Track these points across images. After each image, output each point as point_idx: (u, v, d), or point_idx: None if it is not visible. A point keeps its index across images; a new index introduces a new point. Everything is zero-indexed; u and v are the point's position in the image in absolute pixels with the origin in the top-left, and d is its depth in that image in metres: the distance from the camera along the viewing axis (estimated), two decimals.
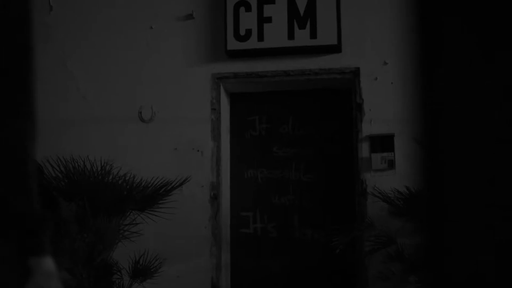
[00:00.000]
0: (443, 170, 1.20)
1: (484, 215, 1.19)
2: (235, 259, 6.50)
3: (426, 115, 1.16)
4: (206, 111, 6.20)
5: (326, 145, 6.46)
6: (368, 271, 5.72)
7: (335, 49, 6.03)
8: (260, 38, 6.10)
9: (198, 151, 6.13)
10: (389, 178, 5.82)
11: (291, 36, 6.04)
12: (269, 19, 6.09)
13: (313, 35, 6.00)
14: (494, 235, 1.19)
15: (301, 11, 6.05)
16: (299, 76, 6.15)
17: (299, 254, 6.54)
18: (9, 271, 1.66)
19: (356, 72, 6.02)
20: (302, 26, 6.02)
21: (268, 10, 6.11)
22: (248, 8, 6.15)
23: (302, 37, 6.03)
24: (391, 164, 5.86)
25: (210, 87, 6.23)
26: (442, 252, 1.19)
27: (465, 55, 1.16)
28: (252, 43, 6.11)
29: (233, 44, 6.13)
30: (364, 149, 5.93)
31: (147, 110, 6.26)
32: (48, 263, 1.82)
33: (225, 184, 6.36)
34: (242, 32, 6.12)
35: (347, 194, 6.37)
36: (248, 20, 6.11)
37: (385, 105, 5.89)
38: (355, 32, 6.03)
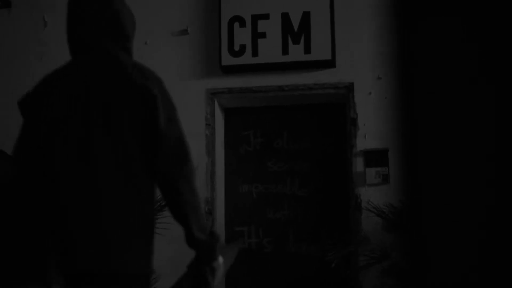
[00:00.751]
0: (421, 185, 1.21)
1: (461, 225, 1.21)
2: (230, 274, 6.48)
3: (410, 130, 1.18)
4: (201, 126, 6.21)
5: (320, 159, 6.47)
6: (363, 286, 5.72)
7: (329, 64, 6.05)
8: (255, 53, 6.11)
9: None
10: (383, 192, 5.83)
11: (285, 51, 6.06)
12: (263, 35, 6.11)
13: (307, 50, 6.02)
14: (472, 243, 1.20)
15: (295, 27, 6.07)
16: (293, 91, 6.16)
17: (294, 269, 6.53)
18: None
19: (350, 87, 6.03)
20: (296, 41, 6.04)
21: (262, 25, 6.13)
22: (243, 24, 6.17)
23: (296, 52, 6.05)
24: (385, 179, 5.86)
25: (204, 103, 6.23)
26: (423, 263, 1.20)
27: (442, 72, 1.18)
28: (247, 59, 6.12)
29: (227, 59, 6.14)
30: (358, 164, 5.94)
31: None
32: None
33: (220, 199, 6.36)
34: (236, 47, 6.13)
35: (342, 209, 6.37)
36: (243, 36, 6.13)
37: (379, 119, 5.91)
38: (349, 47, 6.06)
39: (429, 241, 1.23)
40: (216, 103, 6.31)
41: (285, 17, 6.11)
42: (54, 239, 2.62)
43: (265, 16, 6.14)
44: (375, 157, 5.89)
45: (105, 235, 2.58)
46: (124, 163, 2.62)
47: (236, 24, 6.17)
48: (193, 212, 2.81)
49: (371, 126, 5.94)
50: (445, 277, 1.21)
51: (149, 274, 2.83)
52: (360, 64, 6.02)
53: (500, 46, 1.19)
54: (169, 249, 5.97)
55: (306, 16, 6.08)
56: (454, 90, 1.18)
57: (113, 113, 2.66)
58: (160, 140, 2.71)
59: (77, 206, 2.57)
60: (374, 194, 5.83)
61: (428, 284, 1.21)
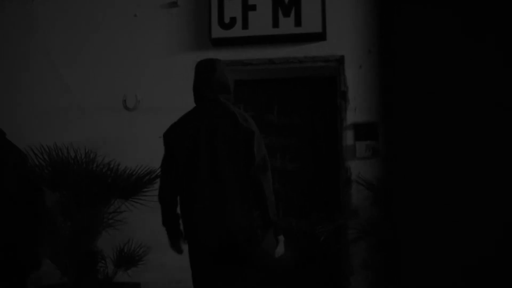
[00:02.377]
0: (399, 160, 1.21)
1: (436, 201, 1.21)
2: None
3: (391, 103, 1.18)
4: (191, 99, 6.18)
5: (311, 133, 6.46)
6: (352, 259, 5.74)
7: (320, 37, 6.02)
8: (245, 26, 6.08)
9: None
10: (373, 166, 5.83)
11: (275, 24, 6.03)
12: (253, 7, 6.07)
13: (298, 23, 5.99)
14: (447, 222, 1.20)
15: None
16: (284, 64, 6.14)
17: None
18: None
19: (340, 60, 6.01)
20: (286, 14, 6.00)
21: None
22: None
23: (286, 25, 6.01)
24: (375, 152, 5.87)
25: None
26: (401, 238, 1.20)
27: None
28: (237, 31, 6.09)
29: (217, 32, 6.11)
30: (348, 137, 5.93)
31: (131, 98, 6.24)
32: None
33: None
34: (226, 20, 6.09)
35: (331, 183, 6.38)
36: (233, 8, 6.09)
37: (369, 93, 5.89)
38: (340, 20, 6.03)
39: (404, 217, 1.23)
40: None
41: None
42: (189, 229, 4.23)
43: None
44: (365, 131, 5.89)
45: (231, 224, 4.06)
46: (239, 177, 4.07)
47: None
48: (270, 203, 4.10)
49: (361, 100, 5.93)
50: (420, 253, 1.21)
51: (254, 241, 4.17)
52: (350, 37, 6.00)
53: (482, 19, 1.18)
54: (158, 222, 5.97)
55: None
56: (437, 67, 1.18)
57: (230, 144, 4.09)
58: (253, 159, 4.05)
59: (210, 206, 4.06)
60: (364, 167, 5.83)
61: (406, 258, 1.21)
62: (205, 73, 4.48)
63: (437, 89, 1.23)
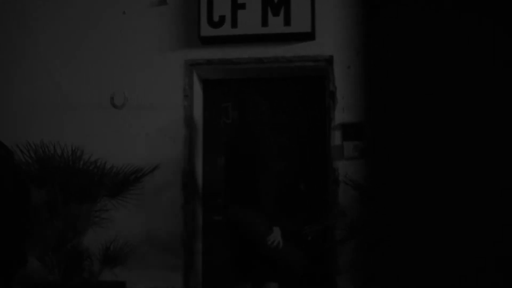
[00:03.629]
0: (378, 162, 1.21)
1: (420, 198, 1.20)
2: (208, 246, 6.49)
3: (376, 104, 1.18)
4: (179, 97, 6.17)
5: (298, 133, 6.46)
6: (340, 259, 5.73)
7: (309, 36, 6.02)
8: (234, 24, 6.06)
9: (170, 138, 6.09)
10: (361, 166, 5.83)
11: (265, 23, 6.02)
12: (243, 6, 6.06)
13: (287, 22, 5.98)
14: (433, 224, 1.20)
15: None
16: (273, 63, 6.13)
17: None
18: None
19: (329, 60, 6.01)
20: (276, 13, 6.00)
21: None
22: None
23: (276, 24, 6.01)
24: (363, 153, 5.87)
25: (183, 74, 6.19)
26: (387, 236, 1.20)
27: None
28: (226, 30, 6.07)
29: (206, 30, 6.09)
30: (336, 137, 5.93)
31: (120, 96, 6.22)
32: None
33: (197, 172, 6.34)
34: (215, 18, 6.08)
35: (319, 183, 6.40)
36: (222, 6, 6.07)
37: (358, 93, 5.89)
38: (329, 20, 6.03)
39: (389, 217, 1.23)
40: (194, 74, 6.27)
41: None
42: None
43: None
44: (353, 131, 5.88)
45: None
46: None
47: None
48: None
49: (350, 100, 5.92)
50: (406, 252, 1.21)
51: None
52: (339, 37, 6.00)
53: (470, 18, 1.18)
54: (145, 220, 5.96)
55: None
56: (424, 67, 1.17)
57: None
58: None
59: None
60: (352, 168, 5.83)
61: (392, 258, 1.21)
62: None
63: (424, 89, 1.23)
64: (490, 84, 1.19)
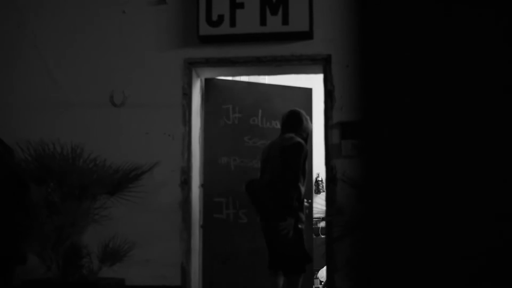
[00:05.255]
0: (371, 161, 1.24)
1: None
2: (208, 244, 6.53)
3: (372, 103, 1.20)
4: (178, 95, 6.20)
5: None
6: (337, 256, 5.77)
7: (307, 35, 6.05)
8: (233, 24, 6.09)
9: (169, 135, 6.12)
10: (359, 164, 5.86)
11: (263, 22, 6.05)
12: (241, 5, 6.08)
13: (285, 21, 6.01)
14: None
15: None
16: (271, 62, 6.16)
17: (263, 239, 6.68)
18: None
19: (327, 59, 6.04)
20: (274, 12, 6.03)
21: None
22: None
23: (274, 23, 6.04)
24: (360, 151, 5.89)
25: (182, 72, 6.22)
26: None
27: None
28: (225, 29, 6.10)
29: (205, 29, 6.12)
30: (334, 136, 5.96)
31: (119, 94, 6.25)
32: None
33: (196, 169, 6.38)
34: (214, 17, 6.11)
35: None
36: (221, 6, 6.10)
37: (356, 92, 5.91)
38: (327, 19, 6.05)
39: (384, 215, 1.25)
40: (193, 73, 6.30)
41: None
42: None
43: None
44: (351, 129, 5.92)
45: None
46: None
47: None
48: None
49: (348, 99, 5.95)
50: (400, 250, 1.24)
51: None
52: (337, 37, 6.02)
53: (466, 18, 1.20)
54: (143, 218, 5.99)
55: None
56: (420, 66, 1.20)
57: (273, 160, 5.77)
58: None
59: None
60: (349, 165, 5.86)
61: (387, 255, 1.24)
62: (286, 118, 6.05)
63: (420, 88, 1.26)
64: (490, 82, 1.21)
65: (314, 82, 7.16)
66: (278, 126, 6.71)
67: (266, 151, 6.05)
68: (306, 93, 7.15)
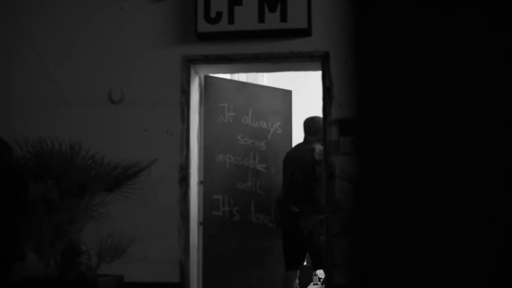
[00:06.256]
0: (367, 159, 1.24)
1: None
2: (207, 240, 6.54)
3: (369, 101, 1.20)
4: (176, 93, 6.20)
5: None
6: (336, 253, 5.77)
7: (305, 32, 6.04)
8: (231, 20, 6.09)
9: (167, 132, 6.13)
10: (357, 161, 5.85)
11: (261, 19, 6.05)
12: (239, 2, 6.08)
13: (284, 18, 6.01)
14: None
15: None
16: (269, 59, 6.16)
17: (254, 237, 6.75)
18: None
19: (326, 56, 6.04)
20: (272, 9, 6.02)
21: None
22: None
23: (272, 20, 6.03)
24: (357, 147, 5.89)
25: (180, 69, 6.22)
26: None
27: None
28: (223, 26, 6.10)
29: (203, 26, 6.12)
30: (333, 133, 5.96)
31: (117, 91, 6.24)
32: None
33: (194, 166, 6.38)
34: (212, 14, 6.11)
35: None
36: (219, 2, 6.10)
37: (354, 89, 5.90)
38: (325, 16, 6.05)
39: (380, 214, 1.26)
40: (191, 70, 6.30)
41: None
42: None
43: None
44: (349, 127, 5.92)
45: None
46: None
47: None
48: None
49: (346, 96, 5.94)
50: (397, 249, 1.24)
51: None
52: (336, 34, 6.02)
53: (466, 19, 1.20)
54: (142, 215, 5.99)
55: None
56: (417, 65, 1.20)
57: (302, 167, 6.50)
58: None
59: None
60: (348, 162, 5.86)
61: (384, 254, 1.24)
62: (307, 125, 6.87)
63: (416, 85, 1.26)
64: (484, 81, 1.21)
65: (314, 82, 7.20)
66: (265, 126, 6.93)
67: (293, 157, 6.73)
68: (286, 95, 7.40)
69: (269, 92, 7.24)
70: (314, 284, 8.44)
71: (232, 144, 6.80)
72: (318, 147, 6.52)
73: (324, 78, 6.04)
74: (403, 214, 1.30)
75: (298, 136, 7.17)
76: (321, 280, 8.15)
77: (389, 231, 1.32)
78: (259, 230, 6.89)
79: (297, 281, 6.89)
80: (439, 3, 1.24)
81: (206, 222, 6.54)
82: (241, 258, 6.73)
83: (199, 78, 6.62)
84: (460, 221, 1.25)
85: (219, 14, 6.09)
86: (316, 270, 6.89)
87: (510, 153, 1.17)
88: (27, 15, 6.47)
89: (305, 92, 8.32)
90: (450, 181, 1.26)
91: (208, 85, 6.70)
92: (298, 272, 6.83)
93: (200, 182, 6.52)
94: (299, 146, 6.91)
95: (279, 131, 7.21)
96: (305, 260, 7.32)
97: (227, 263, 6.64)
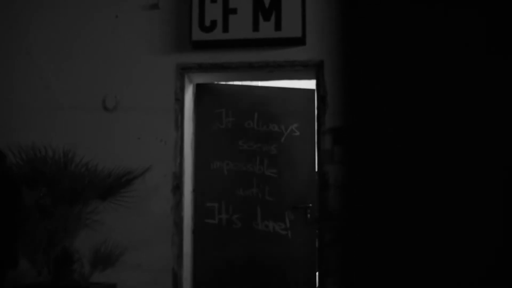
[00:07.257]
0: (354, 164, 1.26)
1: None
2: (200, 249, 6.53)
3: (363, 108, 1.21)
4: (170, 101, 6.20)
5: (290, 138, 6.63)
6: (329, 263, 5.76)
7: (300, 41, 6.05)
8: (225, 29, 6.10)
9: (161, 140, 6.12)
10: (348, 170, 5.86)
11: (256, 27, 6.06)
12: (234, 11, 6.10)
13: (278, 27, 6.02)
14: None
15: (266, 3, 6.06)
16: (264, 68, 6.17)
17: (261, 245, 6.66)
18: None
19: (320, 65, 6.04)
20: (267, 18, 6.04)
21: (233, 1, 6.12)
22: None
23: (267, 29, 6.05)
24: (347, 156, 5.90)
25: (174, 77, 6.22)
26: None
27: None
28: (217, 34, 6.11)
29: (198, 34, 6.13)
30: (327, 142, 5.95)
31: (111, 99, 6.24)
32: None
33: (188, 174, 6.38)
34: (207, 23, 6.12)
35: (309, 187, 6.59)
36: (214, 11, 6.11)
37: (348, 98, 5.92)
38: (320, 25, 6.06)
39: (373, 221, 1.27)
40: (186, 78, 6.30)
41: None
42: None
43: None
44: (343, 135, 5.92)
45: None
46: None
47: None
48: None
49: (340, 105, 5.95)
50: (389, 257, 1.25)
51: None
52: (330, 42, 6.03)
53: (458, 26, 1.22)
54: (135, 222, 5.98)
55: None
56: (410, 74, 1.22)
57: None
58: None
59: None
60: (341, 171, 5.86)
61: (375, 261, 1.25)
62: None
63: (407, 95, 1.28)
64: (475, 92, 1.23)
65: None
66: (277, 129, 6.78)
67: None
68: (306, 94, 7.07)
69: (282, 93, 7.04)
70: None
71: (231, 150, 6.76)
72: None
73: (318, 86, 6.05)
74: (394, 221, 1.32)
75: None
76: None
77: (379, 239, 1.34)
78: (268, 238, 6.72)
79: None
80: (433, 12, 1.26)
81: (198, 230, 6.52)
82: (240, 267, 6.66)
83: (193, 86, 6.64)
84: (450, 234, 1.27)
85: (213, 23, 6.11)
86: None
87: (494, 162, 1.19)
88: (22, 21, 6.48)
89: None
90: (441, 190, 1.28)
91: (202, 92, 6.70)
92: None
93: (193, 190, 6.51)
94: None
95: (297, 133, 6.91)
96: None
97: (223, 272, 6.62)
